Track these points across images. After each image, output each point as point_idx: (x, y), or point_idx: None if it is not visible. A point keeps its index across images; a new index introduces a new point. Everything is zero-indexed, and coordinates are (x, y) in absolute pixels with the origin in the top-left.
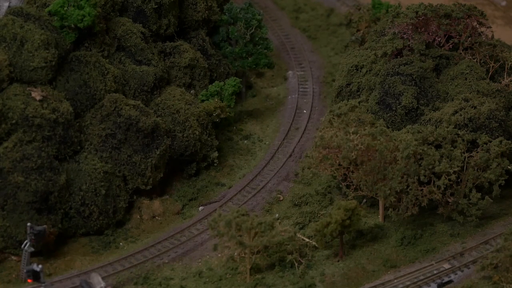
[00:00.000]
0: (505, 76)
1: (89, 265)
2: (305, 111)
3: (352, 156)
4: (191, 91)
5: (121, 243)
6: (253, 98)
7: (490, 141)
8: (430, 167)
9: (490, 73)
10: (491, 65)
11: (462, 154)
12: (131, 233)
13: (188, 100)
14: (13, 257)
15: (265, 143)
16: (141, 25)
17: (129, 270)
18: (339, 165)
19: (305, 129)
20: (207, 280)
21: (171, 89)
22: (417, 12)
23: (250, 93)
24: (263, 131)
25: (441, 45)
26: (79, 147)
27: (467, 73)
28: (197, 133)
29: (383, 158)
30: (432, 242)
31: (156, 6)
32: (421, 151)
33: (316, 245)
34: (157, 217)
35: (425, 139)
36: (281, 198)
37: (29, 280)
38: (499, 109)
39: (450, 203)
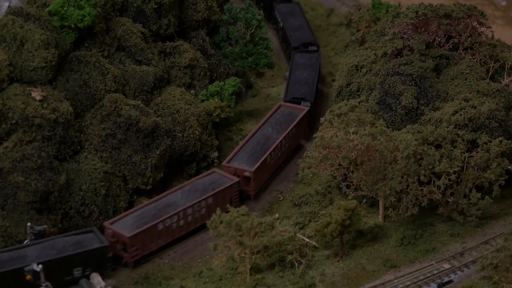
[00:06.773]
0: (505, 76)
1: None
2: None
3: (352, 156)
4: (191, 91)
5: None
6: (253, 98)
7: (490, 141)
8: (430, 167)
9: (490, 73)
10: (491, 65)
11: (462, 154)
12: None
13: (188, 100)
14: None
15: None
16: (141, 25)
17: (129, 270)
18: (339, 165)
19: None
20: (207, 280)
21: (171, 89)
22: (417, 12)
23: (250, 93)
24: None
25: (441, 45)
26: (79, 147)
27: (467, 73)
28: (197, 133)
29: (383, 158)
30: (432, 242)
31: (156, 6)
32: (421, 151)
33: (316, 245)
34: None
35: (425, 139)
36: (281, 198)
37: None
38: (499, 109)
39: (450, 203)
